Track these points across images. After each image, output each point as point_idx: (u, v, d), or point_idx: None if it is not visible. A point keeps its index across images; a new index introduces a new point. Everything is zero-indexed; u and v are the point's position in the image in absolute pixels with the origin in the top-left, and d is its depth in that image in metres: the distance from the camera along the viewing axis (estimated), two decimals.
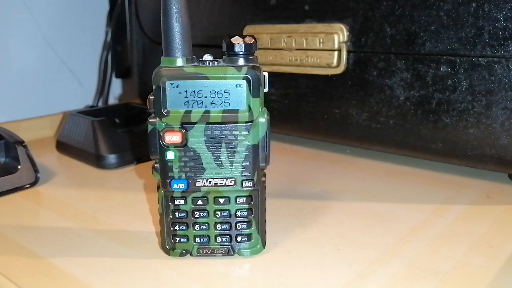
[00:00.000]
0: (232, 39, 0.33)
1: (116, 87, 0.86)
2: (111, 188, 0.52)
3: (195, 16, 0.68)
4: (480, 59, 0.45)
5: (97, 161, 0.57)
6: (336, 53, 0.53)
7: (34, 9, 0.74)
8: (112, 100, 0.85)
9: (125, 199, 0.48)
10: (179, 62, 0.33)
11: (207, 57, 0.33)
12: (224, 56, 0.34)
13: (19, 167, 0.51)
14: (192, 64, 0.33)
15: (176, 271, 0.35)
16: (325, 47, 0.54)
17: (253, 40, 0.33)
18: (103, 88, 0.81)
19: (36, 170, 0.52)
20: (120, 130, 0.64)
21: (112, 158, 0.57)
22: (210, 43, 0.67)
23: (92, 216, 0.44)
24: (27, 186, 0.51)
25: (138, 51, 0.77)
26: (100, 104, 0.81)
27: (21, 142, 0.53)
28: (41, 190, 0.51)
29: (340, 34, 0.53)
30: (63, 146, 0.63)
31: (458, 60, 0.47)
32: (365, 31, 0.51)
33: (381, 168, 0.56)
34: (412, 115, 0.50)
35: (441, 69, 0.48)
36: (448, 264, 0.35)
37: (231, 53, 0.33)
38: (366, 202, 0.46)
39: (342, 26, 0.53)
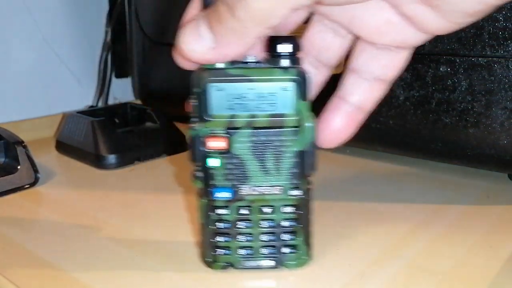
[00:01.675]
0: (278, 39, 0.30)
1: (116, 87, 0.86)
2: (110, 188, 0.52)
3: None
4: (479, 59, 0.45)
5: (97, 161, 0.57)
6: None
7: (34, 9, 0.74)
8: (112, 100, 0.85)
9: (125, 200, 0.48)
10: (222, 63, 0.30)
11: (250, 57, 0.31)
12: (267, 57, 0.31)
13: (18, 167, 0.51)
14: (236, 66, 0.30)
15: (176, 271, 0.35)
16: None
17: (298, 39, 0.31)
18: (102, 88, 0.81)
19: (35, 170, 0.52)
20: (120, 130, 0.64)
21: (112, 158, 0.57)
22: None
23: (92, 216, 0.44)
24: (27, 186, 0.51)
25: (138, 51, 0.77)
26: (100, 104, 0.81)
27: (20, 142, 0.53)
28: (41, 190, 0.51)
29: None
30: (62, 146, 0.63)
31: (457, 60, 0.47)
32: None
33: (381, 168, 0.56)
34: (412, 115, 0.50)
35: (440, 69, 0.48)
36: (448, 264, 0.35)
37: (276, 54, 0.30)
38: (366, 202, 0.46)
39: None
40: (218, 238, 0.33)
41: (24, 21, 0.73)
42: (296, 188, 0.32)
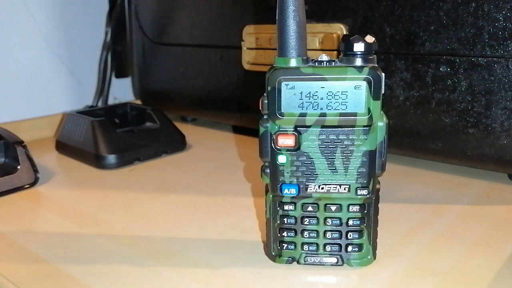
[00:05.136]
0: (351, 38, 0.30)
1: (116, 87, 0.86)
2: (110, 188, 0.52)
3: (195, 16, 0.68)
4: (479, 59, 0.45)
5: (97, 161, 0.57)
6: (335, 53, 0.53)
7: (33, 9, 0.74)
8: (112, 100, 0.85)
9: (125, 199, 0.48)
10: (294, 62, 0.31)
11: (324, 57, 0.31)
12: (340, 56, 0.31)
13: (18, 167, 0.51)
14: (309, 65, 0.31)
15: (176, 270, 0.35)
16: (324, 47, 0.54)
17: (373, 39, 0.31)
18: (102, 88, 0.81)
19: (35, 170, 0.52)
20: (120, 130, 0.64)
21: (111, 158, 0.57)
22: (210, 43, 0.67)
23: (91, 216, 0.44)
24: (27, 186, 0.51)
25: (137, 51, 0.77)
26: (99, 104, 0.81)
27: (20, 142, 0.53)
28: (41, 190, 0.51)
29: (339, 34, 0.53)
30: (62, 146, 0.63)
31: (457, 60, 0.47)
32: (364, 31, 0.51)
33: None
34: (411, 115, 0.50)
35: (440, 69, 0.48)
36: (448, 264, 0.35)
37: (350, 53, 0.30)
38: None
39: (341, 26, 0.53)
40: (284, 233, 0.34)
41: (24, 21, 0.73)
42: (364, 187, 0.33)
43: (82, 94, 0.82)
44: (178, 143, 0.64)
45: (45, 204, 0.48)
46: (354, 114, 0.31)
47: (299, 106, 0.31)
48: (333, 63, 0.31)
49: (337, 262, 0.34)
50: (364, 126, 0.31)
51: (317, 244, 0.34)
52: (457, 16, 0.46)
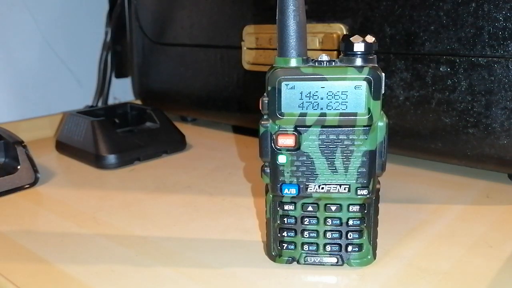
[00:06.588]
0: (351, 38, 0.30)
1: (116, 87, 0.86)
2: (110, 188, 0.52)
3: (195, 16, 0.68)
4: (479, 59, 0.45)
5: (97, 161, 0.57)
6: (335, 53, 0.53)
7: (33, 9, 0.74)
8: (112, 100, 0.85)
9: (125, 199, 0.48)
10: (295, 62, 0.31)
11: (324, 57, 0.31)
12: (340, 56, 0.32)
13: (18, 167, 0.51)
14: (309, 65, 0.31)
15: (175, 271, 0.35)
16: (324, 47, 0.54)
17: (373, 39, 0.31)
18: (102, 88, 0.81)
19: (35, 170, 0.52)
20: (120, 130, 0.64)
21: (111, 158, 0.57)
22: (210, 43, 0.67)
23: (91, 216, 0.44)
24: (27, 186, 0.51)
25: (137, 51, 0.77)
26: (99, 104, 0.81)
27: (20, 142, 0.53)
28: (41, 190, 0.51)
29: (339, 34, 0.53)
30: (62, 146, 0.63)
31: (457, 60, 0.47)
32: (364, 31, 0.51)
33: None
34: (412, 115, 0.50)
35: (440, 69, 0.48)
36: (448, 264, 0.35)
37: (350, 53, 0.31)
38: None
39: (341, 26, 0.53)
40: (284, 233, 0.34)
41: (24, 21, 0.73)
42: (364, 187, 0.33)
43: (82, 94, 0.82)
44: (178, 143, 0.64)
45: (45, 204, 0.48)
46: (354, 114, 0.31)
47: (299, 106, 0.31)
48: (333, 63, 0.31)
49: (337, 262, 0.34)
50: (364, 126, 0.31)
51: (317, 244, 0.34)
52: (457, 16, 0.46)
